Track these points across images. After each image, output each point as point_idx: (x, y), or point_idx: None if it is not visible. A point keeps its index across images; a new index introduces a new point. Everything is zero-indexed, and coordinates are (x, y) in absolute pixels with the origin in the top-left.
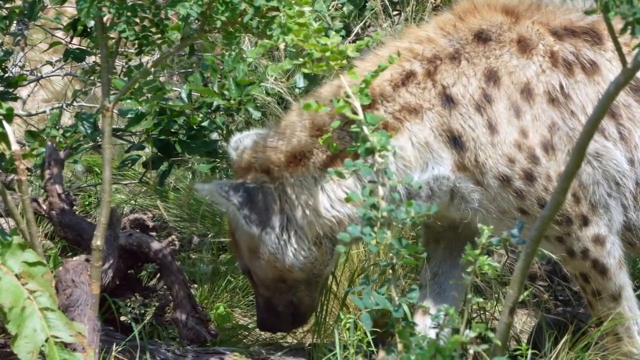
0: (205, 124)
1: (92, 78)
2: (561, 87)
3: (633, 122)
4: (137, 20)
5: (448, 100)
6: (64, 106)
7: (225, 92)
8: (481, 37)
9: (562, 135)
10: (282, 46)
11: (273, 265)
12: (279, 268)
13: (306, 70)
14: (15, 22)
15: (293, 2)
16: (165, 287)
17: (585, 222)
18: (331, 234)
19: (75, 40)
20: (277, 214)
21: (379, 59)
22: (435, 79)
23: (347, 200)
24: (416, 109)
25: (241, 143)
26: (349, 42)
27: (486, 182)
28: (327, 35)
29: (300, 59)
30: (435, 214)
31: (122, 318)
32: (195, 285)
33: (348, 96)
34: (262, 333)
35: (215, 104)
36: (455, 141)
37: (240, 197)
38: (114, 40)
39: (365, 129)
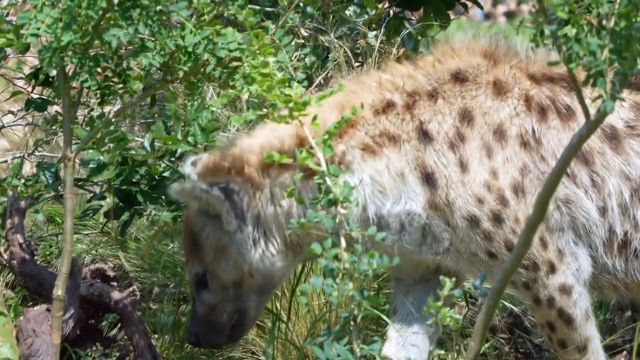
0: (167, 173)
1: (54, 127)
2: (533, 131)
3: (607, 170)
4: (100, 70)
5: (424, 136)
6: (26, 156)
7: (190, 139)
8: (458, 78)
9: (533, 178)
10: (245, 96)
11: (239, 266)
12: (244, 270)
13: (269, 121)
14: None
15: (258, 52)
16: (126, 337)
17: (552, 269)
18: (297, 242)
19: (37, 89)
20: (250, 214)
21: (361, 85)
22: (413, 113)
23: (310, 252)
24: (395, 137)
25: (199, 158)
26: (311, 92)
27: (455, 222)
28: (289, 86)
29: (264, 110)
30: (407, 258)
31: None
32: (156, 336)
33: (311, 147)
34: None
35: (179, 151)
36: (428, 178)
37: (222, 192)
38: (76, 90)
39: (328, 180)
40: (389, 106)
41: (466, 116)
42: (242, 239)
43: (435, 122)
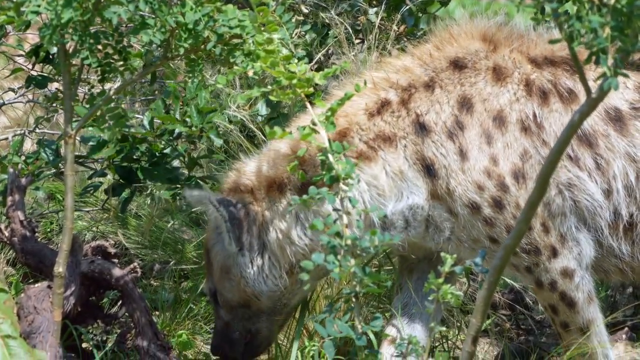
0: (167, 151)
1: (54, 105)
2: (534, 116)
3: (612, 152)
4: (100, 47)
5: (422, 128)
6: (26, 133)
7: (187, 119)
8: (457, 65)
9: (534, 163)
10: (250, 72)
11: (242, 289)
12: (248, 293)
13: (273, 98)
14: None
15: (262, 29)
16: (126, 314)
17: (554, 253)
18: None
19: (38, 67)
20: (255, 238)
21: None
22: (409, 107)
23: (312, 227)
24: (390, 137)
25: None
26: (311, 70)
27: (456, 210)
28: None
29: (269, 87)
30: (411, 244)
31: (84, 345)
32: (157, 313)
33: (314, 124)
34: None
35: (177, 131)
36: (429, 169)
37: (229, 211)
38: (76, 67)
39: (330, 157)
40: (383, 105)
41: (465, 104)
42: (244, 262)
43: (432, 112)
